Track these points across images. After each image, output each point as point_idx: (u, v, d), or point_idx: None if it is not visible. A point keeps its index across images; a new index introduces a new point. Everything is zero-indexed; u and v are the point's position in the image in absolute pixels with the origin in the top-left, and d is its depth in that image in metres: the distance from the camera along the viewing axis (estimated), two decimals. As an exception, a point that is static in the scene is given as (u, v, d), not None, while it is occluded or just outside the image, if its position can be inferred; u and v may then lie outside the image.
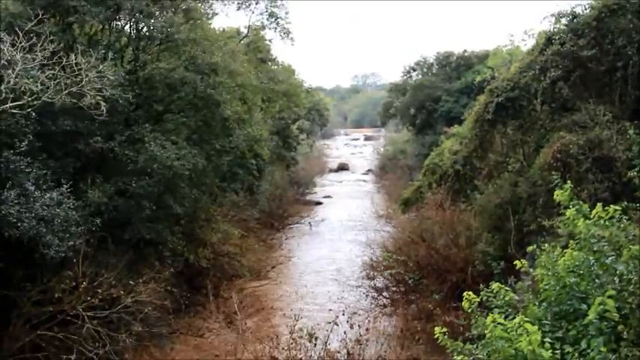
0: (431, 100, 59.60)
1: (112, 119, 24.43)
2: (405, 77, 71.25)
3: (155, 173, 25.52)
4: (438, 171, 33.77)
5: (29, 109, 20.17)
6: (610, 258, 12.63)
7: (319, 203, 65.93)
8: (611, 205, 14.03)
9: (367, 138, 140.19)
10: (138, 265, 25.15)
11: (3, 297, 20.45)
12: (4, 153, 20.08)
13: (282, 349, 18.03)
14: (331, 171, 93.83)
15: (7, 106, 19.76)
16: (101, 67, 22.46)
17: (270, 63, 48.31)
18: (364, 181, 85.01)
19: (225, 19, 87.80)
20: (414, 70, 69.16)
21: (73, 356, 20.57)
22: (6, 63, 20.31)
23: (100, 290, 21.68)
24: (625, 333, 11.28)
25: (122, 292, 22.37)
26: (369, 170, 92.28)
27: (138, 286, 23.07)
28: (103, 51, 26.09)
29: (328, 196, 70.33)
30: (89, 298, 21.43)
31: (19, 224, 19.00)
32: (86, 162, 24.79)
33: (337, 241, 45.76)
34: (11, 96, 19.86)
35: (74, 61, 21.70)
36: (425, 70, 67.02)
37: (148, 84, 28.04)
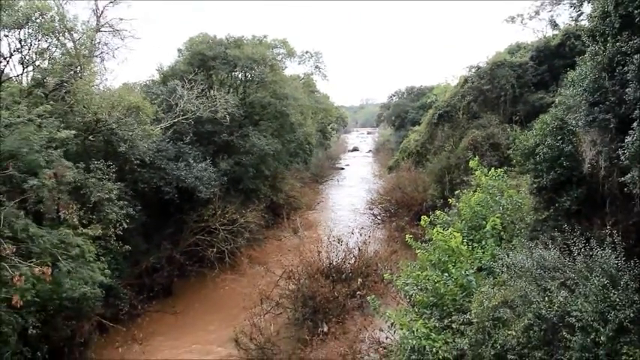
0: (403, 112, 58.65)
1: (232, 124, 24.85)
2: (389, 100, 70.27)
3: (255, 153, 25.97)
4: (407, 151, 33.68)
5: (190, 120, 20.88)
6: (498, 197, 12.90)
7: (342, 169, 65.29)
8: (499, 169, 14.32)
9: (369, 133, 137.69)
10: (246, 202, 25.66)
11: (179, 218, 21.31)
12: (178, 143, 20.75)
13: (323, 246, 18.24)
14: (349, 151, 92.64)
15: (180, 119, 20.49)
16: (226, 96, 23.06)
17: (315, 93, 47.90)
18: (367, 156, 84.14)
19: (292, 70, 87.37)
20: (394, 95, 67.96)
21: (214, 249, 21.41)
22: (179, 96, 20.97)
23: (227, 215, 22.33)
24: (504, 235, 11.62)
25: (238, 216, 22.95)
26: (370, 150, 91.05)
27: (246, 213, 23.65)
28: (228, 88, 26.68)
29: (347, 165, 69.76)
30: (222, 219, 22.11)
31: (185, 180, 19.80)
32: (219, 147, 25.23)
33: (353, 189, 45.43)
34: (181, 113, 20.59)
35: (213, 94, 22.30)
36: (400, 95, 65.88)
37: (251, 105, 28.28)
